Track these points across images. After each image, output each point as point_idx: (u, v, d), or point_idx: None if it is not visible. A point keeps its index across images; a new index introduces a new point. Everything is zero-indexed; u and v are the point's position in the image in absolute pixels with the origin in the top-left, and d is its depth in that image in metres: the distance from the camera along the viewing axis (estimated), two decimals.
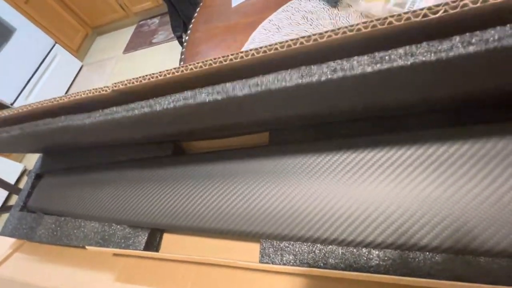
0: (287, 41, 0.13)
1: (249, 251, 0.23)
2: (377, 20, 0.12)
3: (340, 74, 0.14)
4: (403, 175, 0.20)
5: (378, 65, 0.13)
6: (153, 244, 0.26)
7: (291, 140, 0.25)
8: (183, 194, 0.25)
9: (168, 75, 0.15)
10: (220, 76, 0.17)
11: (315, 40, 0.13)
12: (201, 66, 0.15)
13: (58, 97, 0.18)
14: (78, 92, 0.17)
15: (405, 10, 0.37)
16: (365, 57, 0.14)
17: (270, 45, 0.13)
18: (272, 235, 0.22)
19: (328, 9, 0.47)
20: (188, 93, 0.17)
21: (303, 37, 0.13)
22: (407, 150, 0.21)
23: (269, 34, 0.49)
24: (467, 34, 0.12)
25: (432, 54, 0.13)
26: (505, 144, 0.17)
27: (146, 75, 0.16)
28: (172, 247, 0.26)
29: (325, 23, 0.46)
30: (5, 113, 0.21)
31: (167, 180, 0.26)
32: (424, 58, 0.12)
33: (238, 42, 0.51)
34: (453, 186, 0.18)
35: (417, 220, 0.18)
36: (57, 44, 1.80)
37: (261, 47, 0.13)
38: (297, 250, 0.21)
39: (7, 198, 1.37)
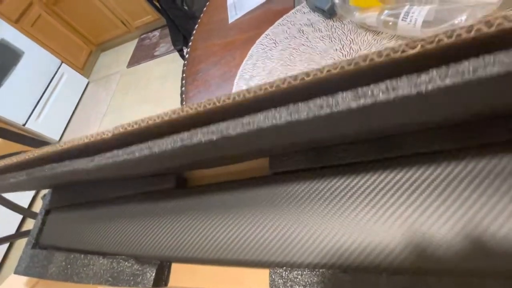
0: (275, 81, 0.14)
1: (259, 281, 0.24)
2: (359, 58, 0.13)
3: (327, 110, 0.14)
4: (411, 199, 0.21)
5: (362, 100, 0.14)
6: (161, 278, 0.26)
7: (291, 165, 0.26)
8: (188, 227, 0.25)
9: (165, 118, 0.16)
10: (216, 115, 0.18)
11: (302, 79, 0.13)
12: (196, 108, 0.15)
13: (63, 143, 0.19)
14: (80, 137, 0.18)
15: (399, 20, 0.37)
16: (349, 92, 0.14)
17: (259, 86, 0.14)
18: (280, 264, 0.23)
19: (324, 21, 0.48)
20: (185, 134, 0.17)
21: (290, 76, 0.14)
22: (411, 173, 0.21)
23: (266, 49, 0.50)
24: (443, 66, 0.13)
25: (412, 88, 0.13)
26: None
27: (145, 118, 0.17)
28: (181, 279, 0.27)
29: (321, 35, 0.46)
30: (12, 159, 0.22)
31: (171, 213, 0.26)
32: (404, 92, 0.13)
33: (237, 59, 0.52)
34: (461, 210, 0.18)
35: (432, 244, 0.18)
36: (63, 64, 1.85)
37: (251, 88, 0.14)
38: (306, 280, 0.22)
39: (22, 222, 1.41)
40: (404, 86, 0.13)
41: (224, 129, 0.17)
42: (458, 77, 0.12)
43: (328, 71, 0.14)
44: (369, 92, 0.14)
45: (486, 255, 0.17)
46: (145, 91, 1.75)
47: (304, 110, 0.15)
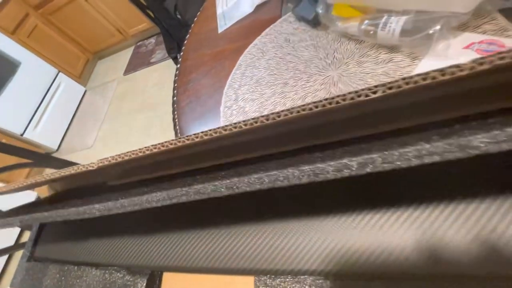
0: (249, 120, 0.15)
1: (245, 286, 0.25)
2: (325, 100, 0.14)
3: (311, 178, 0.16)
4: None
5: (340, 173, 0.15)
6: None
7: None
8: (177, 237, 0.26)
9: (147, 152, 0.17)
10: (195, 149, 0.19)
11: (273, 119, 0.15)
12: (175, 143, 0.17)
13: (50, 173, 0.20)
14: (67, 168, 0.19)
15: (378, 30, 0.38)
16: (326, 164, 0.15)
17: (235, 124, 0.15)
18: (264, 271, 0.23)
19: (309, 30, 0.49)
20: (171, 192, 0.19)
21: (262, 116, 0.15)
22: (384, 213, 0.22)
23: (254, 59, 0.51)
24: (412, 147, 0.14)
25: (386, 165, 0.14)
26: None
27: (128, 152, 0.18)
28: (172, 287, 0.28)
29: (306, 44, 0.48)
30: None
31: (161, 224, 0.27)
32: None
33: (226, 68, 0.53)
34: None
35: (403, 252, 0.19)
36: (60, 73, 1.86)
37: (227, 125, 0.15)
38: (288, 287, 0.22)
39: (21, 233, 1.42)
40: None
41: (209, 191, 0.19)
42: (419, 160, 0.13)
43: (297, 112, 0.15)
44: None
45: (481, 261, 0.18)
46: (142, 98, 1.77)
47: (289, 177, 0.16)
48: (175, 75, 0.61)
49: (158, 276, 0.28)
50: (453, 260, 0.18)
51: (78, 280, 0.30)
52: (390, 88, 0.14)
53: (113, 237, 0.31)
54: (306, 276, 0.22)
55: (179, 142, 0.17)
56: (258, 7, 0.59)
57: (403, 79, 0.13)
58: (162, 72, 1.80)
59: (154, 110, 1.63)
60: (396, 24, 0.36)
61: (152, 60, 1.90)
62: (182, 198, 0.18)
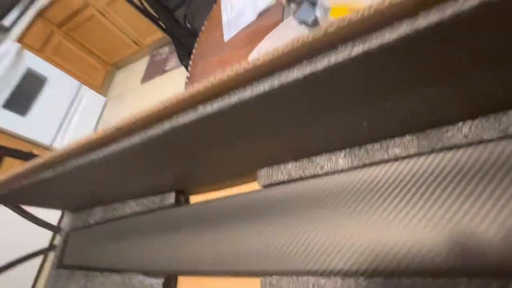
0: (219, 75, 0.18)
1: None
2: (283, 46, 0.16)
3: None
4: (379, 201, 0.22)
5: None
6: None
7: (278, 177, 0.28)
8: (190, 242, 0.29)
9: (147, 113, 0.21)
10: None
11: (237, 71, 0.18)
12: (158, 107, 0.20)
13: (70, 143, 0.25)
14: (81, 138, 0.24)
15: None
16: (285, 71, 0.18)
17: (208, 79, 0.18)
18: (269, 272, 0.25)
19: (308, 31, 0.50)
20: (167, 125, 0.23)
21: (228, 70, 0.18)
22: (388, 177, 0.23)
23: None
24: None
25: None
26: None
27: (129, 117, 0.22)
28: None
29: None
30: (37, 160, 0.28)
31: (175, 230, 0.30)
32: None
33: None
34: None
35: (403, 247, 0.20)
36: (82, 85, 1.98)
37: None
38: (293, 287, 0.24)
39: (53, 238, 1.52)
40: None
41: (201, 109, 0.23)
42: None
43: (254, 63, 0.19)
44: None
45: None
46: None
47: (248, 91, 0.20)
48: (185, 82, 0.65)
49: (174, 281, 0.30)
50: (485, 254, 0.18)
51: (101, 286, 0.33)
52: (369, 9, 0.15)
53: (132, 244, 0.33)
54: (308, 277, 0.23)
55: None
56: (261, 14, 0.61)
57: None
58: (177, 79, 1.86)
59: None
60: None
61: (166, 68, 1.98)
62: (185, 120, 0.22)
